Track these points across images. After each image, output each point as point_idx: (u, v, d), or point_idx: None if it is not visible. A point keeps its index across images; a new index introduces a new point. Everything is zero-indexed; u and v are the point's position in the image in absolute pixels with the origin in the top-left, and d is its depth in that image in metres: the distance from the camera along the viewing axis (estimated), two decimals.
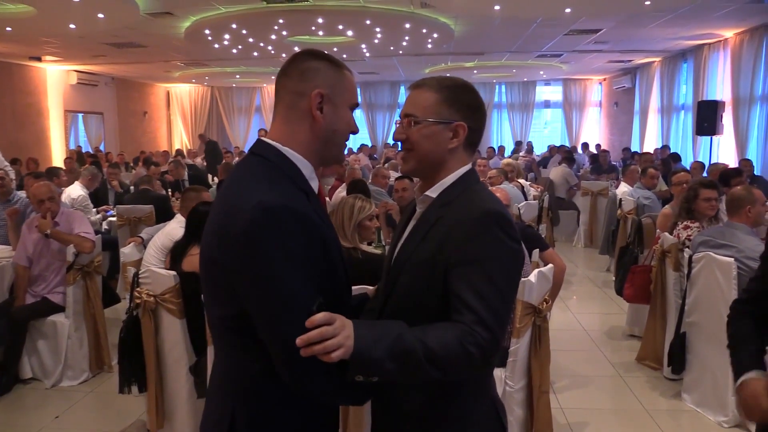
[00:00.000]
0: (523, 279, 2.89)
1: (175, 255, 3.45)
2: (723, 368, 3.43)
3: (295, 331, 1.21)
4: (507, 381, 2.92)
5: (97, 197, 7.09)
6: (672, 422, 3.65)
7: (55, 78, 13.59)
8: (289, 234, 1.27)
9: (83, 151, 13.37)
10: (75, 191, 6.50)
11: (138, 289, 3.19)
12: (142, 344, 3.22)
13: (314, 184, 1.44)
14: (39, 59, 12.19)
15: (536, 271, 2.98)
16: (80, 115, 14.72)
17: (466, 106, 1.49)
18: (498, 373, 2.90)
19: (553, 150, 14.02)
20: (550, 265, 3.20)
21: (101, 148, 14.57)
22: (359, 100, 17.61)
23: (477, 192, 1.47)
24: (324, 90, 1.41)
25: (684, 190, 4.72)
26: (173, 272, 3.17)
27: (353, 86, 1.50)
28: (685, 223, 4.30)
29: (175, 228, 4.03)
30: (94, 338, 4.33)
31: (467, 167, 1.52)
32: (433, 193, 1.50)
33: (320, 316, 1.22)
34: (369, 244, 3.61)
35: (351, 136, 1.52)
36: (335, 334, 1.22)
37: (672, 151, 11.15)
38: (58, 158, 12.92)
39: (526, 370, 3.00)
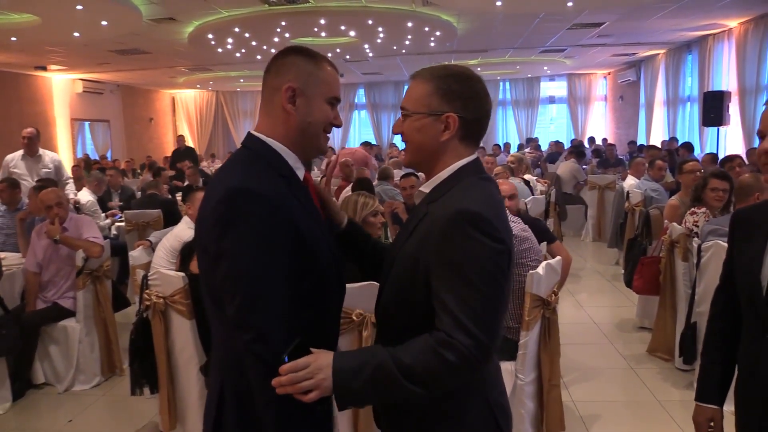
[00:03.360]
0: (531, 272, 2.89)
1: (184, 256, 3.47)
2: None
3: (258, 304, 1.29)
4: (517, 374, 2.91)
5: (103, 202, 7.13)
6: (685, 413, 3.61)
7: (61, 87, 13.68)
8: (251, 214, 1.32)
9: (90, 158, 13.42)
10: (83, 197, 6.59)
11: (147, 291, 3.20)
12: (152, 346, 3.24)
13: (300, 173, 1.49)
14: (44, 68, 12.27)
15: (544, 263, 2.98)
16: (87, 123, 14.80)
17: (457, 96, 1.42)
18: (508, 366, 2.90)
19: (558, 146, 13.96)
20: (559, 258, 3.20)
21: (108, 155, 14.62)
22: (364, 101, 17.88)
23: (463, 189, 1.39)
24: (295, 84, 1.45)
25: (696, 179, 4.65)
26: (182, 273, 3.18)
27: (331, 79, 1.50)
28: (691, 209, 4.27)
29: (184, 229, 4.06)
30: (105, 342, 4.36)
31: (465, 161, 1.45)
32: (426, 188, 1.48)
33: (287, 367, 1.26)
34: None
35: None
36: (307, 378, 1.27)
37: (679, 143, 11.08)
38: (66, 166, 12.94)
39: (536, 363, 3.00)
